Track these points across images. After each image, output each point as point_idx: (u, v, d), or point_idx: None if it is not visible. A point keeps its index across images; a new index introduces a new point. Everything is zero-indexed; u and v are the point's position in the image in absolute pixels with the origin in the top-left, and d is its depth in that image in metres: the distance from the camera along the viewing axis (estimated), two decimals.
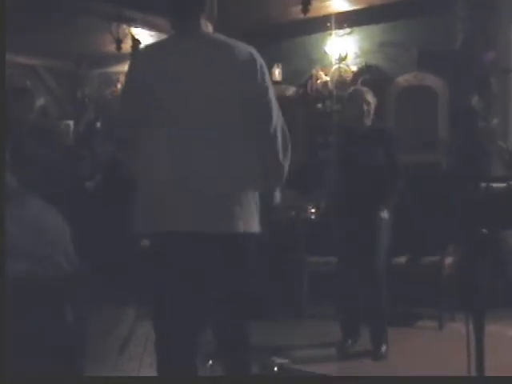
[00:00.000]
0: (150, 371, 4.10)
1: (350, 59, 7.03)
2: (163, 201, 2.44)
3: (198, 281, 2.51)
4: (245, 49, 2.54)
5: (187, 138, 2.44)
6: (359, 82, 6.54)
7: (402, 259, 5.32)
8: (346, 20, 6.83)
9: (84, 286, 3.51)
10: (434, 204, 4.92)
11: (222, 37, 2.59)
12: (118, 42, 7.22)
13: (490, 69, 5.94)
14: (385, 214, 4.44)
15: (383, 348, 4.43)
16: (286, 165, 2.64)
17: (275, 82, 6.63)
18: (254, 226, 2.55)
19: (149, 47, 2.96)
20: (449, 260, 5.20)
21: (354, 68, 6.98)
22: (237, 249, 2.53)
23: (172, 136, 2.45)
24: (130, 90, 2.62)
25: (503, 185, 2.18)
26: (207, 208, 2.43)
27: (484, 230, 2.13)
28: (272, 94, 2.55)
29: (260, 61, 2.53)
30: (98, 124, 7.58)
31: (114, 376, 3.95)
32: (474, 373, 2.23)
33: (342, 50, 7.00)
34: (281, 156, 2.59)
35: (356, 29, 6.96)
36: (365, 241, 4.41)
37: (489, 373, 2.22)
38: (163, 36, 7.77)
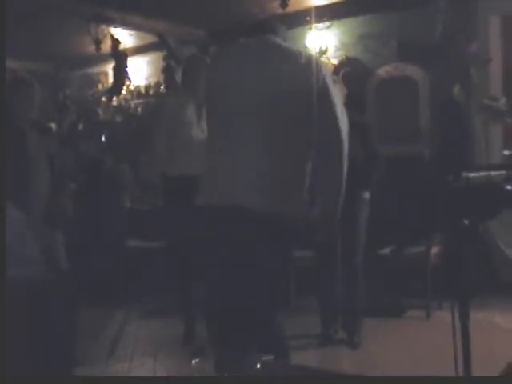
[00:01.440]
0: (139, 372, 4.12)
1: (331, 52, 7.05)
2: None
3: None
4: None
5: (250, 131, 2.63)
6: (340, 74, 6.56)
7: (387, 250, 5.34)
8: (326, 14, 6.84)
9: (72, 289, 3.50)
10: (418, 194, 4.95)
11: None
12: (98, 43, 7.19)
13: (470, 59, 5.98)
14: (366, 195, 4.54)
15: (356, 337, 4.49)
16: None
17: None
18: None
19: (223, 53, 3.04)
20: (435, 250, 5.23)
21: (335, 61, 6.99)
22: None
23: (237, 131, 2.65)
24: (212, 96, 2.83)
25: (484, 174, 2.20)
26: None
27: (465, 221, 2.15)
28: None
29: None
30: (81, 125, 7.54)
31: (112, 376, 3.96)
32: (460, 360, 2.25)
33: (323, 44, 7.02)
34: None
35: (335, 22, 6.97)
36: (346, 223, 4.44)
37: (475, 359, 2.24)
38: (143, 35, 7.84)
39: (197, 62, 4.62)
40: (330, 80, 2.71)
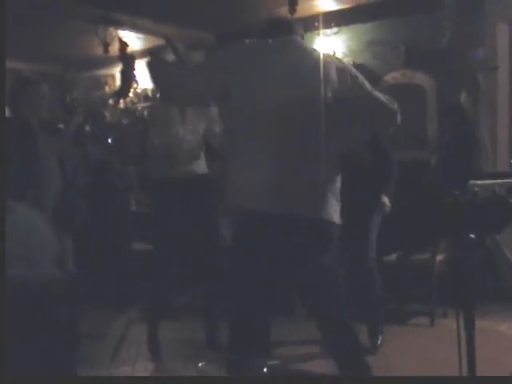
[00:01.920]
0: (142, 375, 4.12)
1: None
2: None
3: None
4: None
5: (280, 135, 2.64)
6: None
7: (393, 257, 5.33)
8: (334, 19, 6.84)
9: (76, 291, 3.50)
10: (424, 201, 4.94)
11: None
12: (106, 45, 7.21)
13: (478, 66, 5.97)
14: (385, 200, 4.49)
15: (379, 339, 4.49)
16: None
17: None
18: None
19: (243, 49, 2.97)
20: (440, 257, 5.22)
21: None
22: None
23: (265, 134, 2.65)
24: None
25: (490, 182, 2.19)
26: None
27: (471, 235, 2.15)
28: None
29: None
30: (88, 127, 7.56)
31: (114, 376, 3.97)
32: (464, 368, 2.24)
33: (330, 50, 7.02)
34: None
35: (343, 28, 6.97)
36: (358, 226, 4.43)
37: (480, 367, 2.23)
38: (151, 38, 7.87)
39: None
40: (356, 71, 2.83)
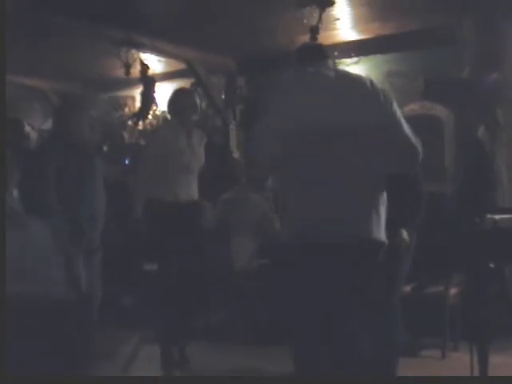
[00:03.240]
0: None
1: None
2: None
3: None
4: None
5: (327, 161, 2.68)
6: None
7: (407, 288, 5.29)
8: (354, 49, 6.90)
9: (87, 309, 3.51)
10: (440, 233, 4.92)
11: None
12: (127, 67, 7.30)
13: (496, 99, 5.98)
14: (405, 235, 4.35)
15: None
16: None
17: None
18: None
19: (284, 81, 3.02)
20: (453, 290, 5.18)
21: None
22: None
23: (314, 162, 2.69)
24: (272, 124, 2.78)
25: (508, 216, 2.19)
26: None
27: (491, 265, 2.14)
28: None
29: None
30: (105, 148, 7.61)
31: (116, 376, 3.96)
32: None
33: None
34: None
35: (363, 58, 7.02)
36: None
37: None
38: (171, 62, 7.94)
39: (183, 93, 5.00)
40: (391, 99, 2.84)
